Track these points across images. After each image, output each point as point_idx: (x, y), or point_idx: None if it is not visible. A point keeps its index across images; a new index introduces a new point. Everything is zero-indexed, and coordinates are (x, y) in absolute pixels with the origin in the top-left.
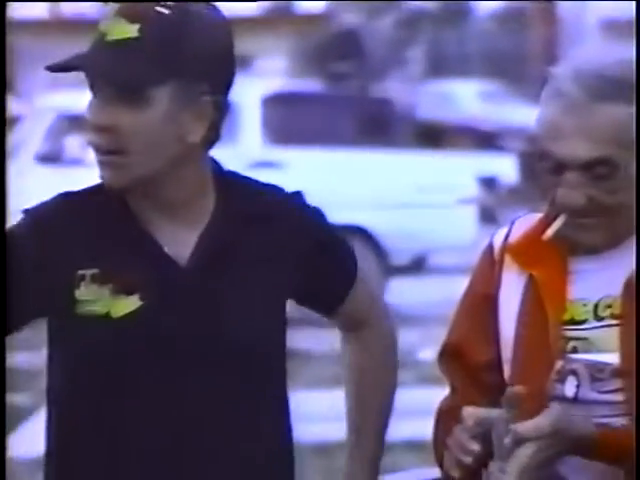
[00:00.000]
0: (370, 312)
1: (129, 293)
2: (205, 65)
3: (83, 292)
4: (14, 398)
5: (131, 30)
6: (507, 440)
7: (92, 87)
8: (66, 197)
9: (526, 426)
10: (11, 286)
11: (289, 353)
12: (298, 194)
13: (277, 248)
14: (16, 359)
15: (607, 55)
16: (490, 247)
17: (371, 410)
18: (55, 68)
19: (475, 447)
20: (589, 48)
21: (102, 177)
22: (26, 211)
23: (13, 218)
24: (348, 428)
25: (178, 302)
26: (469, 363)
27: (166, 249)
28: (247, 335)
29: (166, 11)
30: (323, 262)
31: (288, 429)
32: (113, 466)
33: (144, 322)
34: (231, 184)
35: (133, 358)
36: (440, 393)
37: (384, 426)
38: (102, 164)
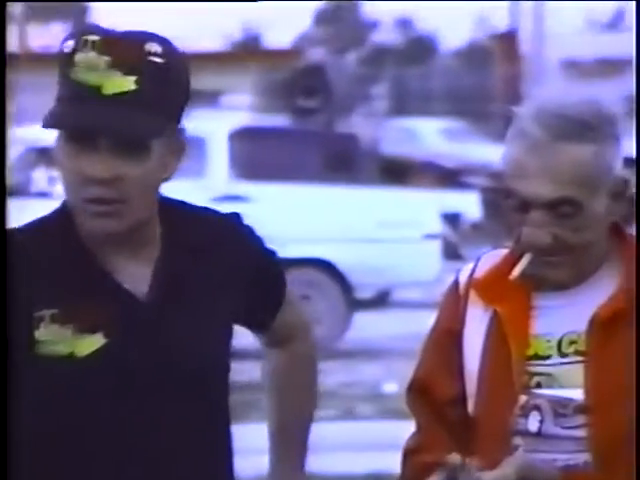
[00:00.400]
0: (296, 329)
1: (93, 331)
2: (185, 105)
3: (43, 333)
4: None
5: (128, 83)
6: None
7: (83, 140)
8: (15, 234)
9: (492, 475)
10: None
11: (243, 386)
12: (237, 216)
13: (224, 272)
14: None
15: (569, 95)
16: (456, 283)
17: (293, 422)
18: (52, 125)
19: None
20: (551, 88)
21: (96, 226)
22: None
23: None
24: (272, 431)
25: (141, 336)
26: (435, 399)
27: (125, 285)
28: (205, 362)
29: (159, 60)
30: (260, 280)
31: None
32: None
33: (110, 359)
34: (172, 212)
35: (101, 394)
36: (403, 426)
37: (306, 435)
38: (99, 214)
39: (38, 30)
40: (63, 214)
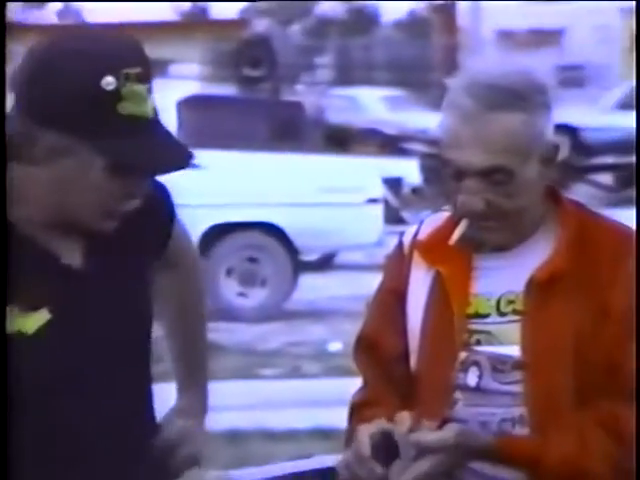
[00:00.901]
0: (182, 252)
1: (36, 308)
2: None
3: None
4: None
5: (152, 100)
6: (411, 450)
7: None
8: None
9: (430, 437)
10: None
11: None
12: None
13: (138, 223)
14: None
15: (499, 66)
16: (400, 244)
17: (183, 342)
18: (168, 169)
19: (378, 469)
20: (483, 59)
21: (109, 227)
22: None
23: None
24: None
25: (83, 307)
26: (381, 355)
27: (63, 260)
28: (141, 321)
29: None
30: (154, 211)
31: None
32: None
33: (57, 332)
34: None
35: (53, 366)
36: (348, 383)
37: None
38: (114, 219)
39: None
40: None
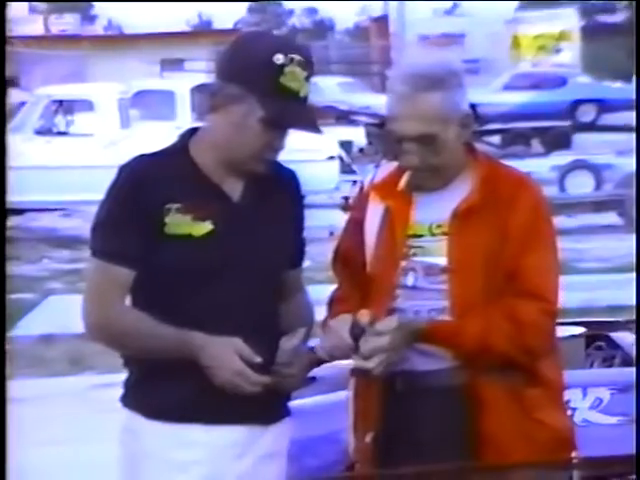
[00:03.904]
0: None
1: (203, 220)
2: None
3: (170, 218)
4: (24, 296)
5: (308, 88)
6: (367, 334)
7: (284, 127)
8: (150, 157)
9: (381, 325)
10: (122, 215)
11: None
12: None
13: (280, 185)
14: (25, 268)
15: (423, 58)
16: (361, 187)
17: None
18: (303, 129)
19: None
20: (410, 53)
21: (262, 168)
22: (125, 166)
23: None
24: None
25: (234, 225)
26: (350, 265)
27: (226, 192)
28: (274, 249)
29: None
30: (296, 187)
31: None
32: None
33: (216, 239)
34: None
35: (209, 262)
36: (313, 289)
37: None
38: (265, 163)
39: (56, 19)
40: (182, 149)
